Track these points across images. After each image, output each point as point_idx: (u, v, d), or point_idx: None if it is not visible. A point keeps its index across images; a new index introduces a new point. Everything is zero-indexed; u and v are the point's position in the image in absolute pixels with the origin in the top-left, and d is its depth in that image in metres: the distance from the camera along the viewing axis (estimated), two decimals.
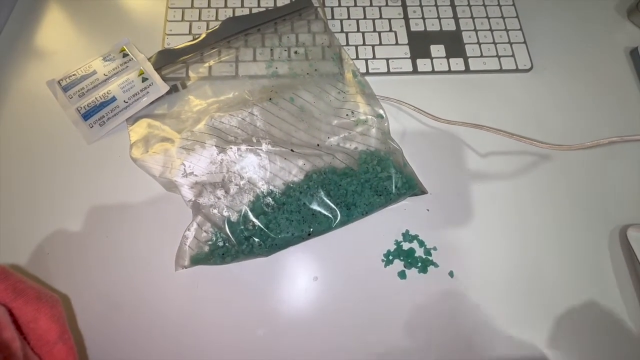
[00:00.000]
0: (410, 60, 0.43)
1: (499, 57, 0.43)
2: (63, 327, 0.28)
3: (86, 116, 0.38)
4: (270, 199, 0.33)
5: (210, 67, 0.41)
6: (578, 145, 0.34)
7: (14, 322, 0.27)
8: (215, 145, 0.34)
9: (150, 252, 0.34)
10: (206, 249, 0.33)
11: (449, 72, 0.43)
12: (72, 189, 0.36)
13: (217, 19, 0.43)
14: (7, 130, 0.38)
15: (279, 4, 0.44)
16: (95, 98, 0.38)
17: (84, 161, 0.37)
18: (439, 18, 0.45)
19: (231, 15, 0.43)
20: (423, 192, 0.37)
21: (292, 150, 0.35)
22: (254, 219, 0.33)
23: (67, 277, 0.33)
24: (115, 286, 0.33)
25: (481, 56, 0.43)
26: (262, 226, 0.32)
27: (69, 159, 0.37)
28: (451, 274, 0.34)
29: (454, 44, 0.44)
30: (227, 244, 0.32)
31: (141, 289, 0.33)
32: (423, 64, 0.43)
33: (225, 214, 0.33)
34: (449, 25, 0.45)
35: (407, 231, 0.35)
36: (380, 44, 0.43)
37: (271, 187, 0.34)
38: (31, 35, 0.43)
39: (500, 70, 0.43)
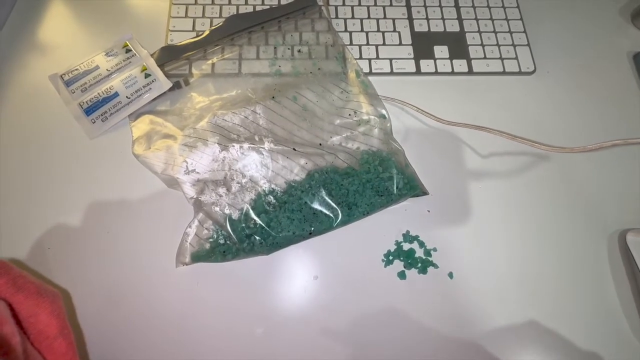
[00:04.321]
0: (413, 61, 0.43)
1: (502, 59, 0.43)
2: (63, 322, 0.28)
3: (88, 111, 0.38)
4: (271, 197, 0.33)
5: (213, 64, 0.41)
6: (580, 147, 0.34)
7: (14, 317, 0.27)
8: (218, 143, 0.34)
9: (151, 248, 0.34)
10: (207, 246, 0.33)
11: (452, 73, 0.43)
12: (73, 184, 0.36)
13: (220, 16, 0.43)
14: (9, 125, 0.38)
15: (283, 2, 0.44)
16: (98, 93, 0.38)
17: (86, 156, 0.37)
18: (443, 19, 0.45)
19: (235, 13, 0.43)
20: (424, 193, 0.37)
21: (294, 149, 0.35)
22: (255, 217, 0.33)
23: (68, 272, 0.33)
24: (116, 282, 0.33)
25: (484, 58, 0.43)
26: (263, 224, 0.32)
27: (70, 154, 0.37)
28: (451, 275, 0.34)
29: (458, 45, 0.44)
30: (228, 242, 0.33)
31: (141, 285, 0.33)
32: (426, 64, 0.43)
33: (227, 211, 0.33)
34: (453, 27, 0.45)
35: (408, 232, 0.36)
36: (384, 44, 0.43)
37: (273, 186, 0.34)
38: (34, 29, 0.43)
39: (503, 73, 0.43)
